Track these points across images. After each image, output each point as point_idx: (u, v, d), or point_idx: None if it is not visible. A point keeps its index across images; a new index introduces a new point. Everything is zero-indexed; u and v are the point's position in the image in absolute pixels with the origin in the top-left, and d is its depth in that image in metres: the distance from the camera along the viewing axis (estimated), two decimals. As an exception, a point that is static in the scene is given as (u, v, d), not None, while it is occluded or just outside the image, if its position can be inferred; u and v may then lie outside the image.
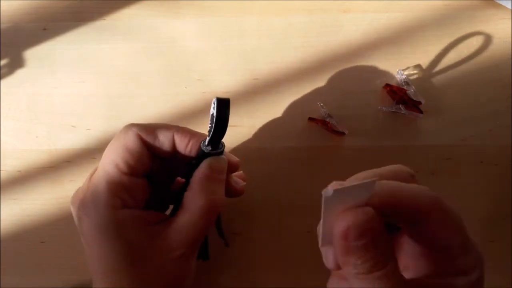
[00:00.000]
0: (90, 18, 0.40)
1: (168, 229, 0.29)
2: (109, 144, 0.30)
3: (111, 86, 0.40)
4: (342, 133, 0.38)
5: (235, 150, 0.38)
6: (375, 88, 0.38)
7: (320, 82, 0.39)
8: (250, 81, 0.39)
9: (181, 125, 0.39)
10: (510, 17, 0.39)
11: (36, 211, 0.39)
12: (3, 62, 0.40)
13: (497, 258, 0.37)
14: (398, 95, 0.37)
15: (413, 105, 0.37)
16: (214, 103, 0.28)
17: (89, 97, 0.40)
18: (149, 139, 0.30)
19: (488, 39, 0.38)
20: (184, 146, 0.30)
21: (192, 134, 0.30)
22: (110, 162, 0.29)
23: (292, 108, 0.38)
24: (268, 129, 0.39)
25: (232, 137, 0.38)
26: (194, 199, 0.29)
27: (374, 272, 0.21)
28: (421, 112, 0.37)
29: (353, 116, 0.38)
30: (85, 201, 0.29)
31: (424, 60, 0.38)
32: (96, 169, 0.30)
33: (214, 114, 0.27)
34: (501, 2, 0.38)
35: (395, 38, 0.39)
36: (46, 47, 0.40)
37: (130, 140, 0.29)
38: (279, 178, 0.38)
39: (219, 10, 0.40)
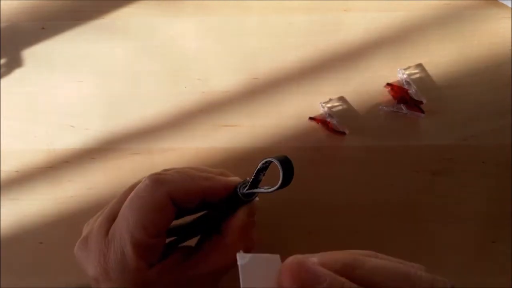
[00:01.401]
0: (88, 17, 0.40)
1: (197, 270, 0.28)
2: (133, 198, 0.27)
3: (110, 85, 0.39)
4: (343, 133, 0.37)
5: (235, 150, 0.38)
6: (376, 88, 0.38)
7: (321, 81, 0.38)
8: (250, 81, 0.39)
9: (180, 124, 0.39)
10: (511, 16, 0.38)
11: (35, 212, 0.38)
12: (2, 61, 0.40)
13: (498, 258, 0.37)
14: (399, 95, 0.37)
15: (414, 104, 0.37)
16: (276, 162, 0.26)
17: (88, 97, 0.39)
18: (179, 199, 0.28)
19: (489, 38, 0.38)
20: (216, 199, 0.29)
21: (226, 187, 0.29)
22: (137, 225, 0.26)
23: (293, 108, 0.38)
24: (268, 129, 0.38)
25: (232, 137, 0.38)
26: (233, 246, 0.29)
27: None
28: (422, 111, 0.37)
29: (354, 115, 0.38)
30: (108, 268, 0.27)
31: (425, 59, 0.38)
32: (106, 213, 0.28)
33: (280, 177, 0.26)
34: (502, 1, 0.38)
35: (396, 37, 0.38)
36: (45, 46, 0.40)
37: (161, 201, 0.27)
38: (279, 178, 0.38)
39: (219, 9, 0.40)
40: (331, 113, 0.38)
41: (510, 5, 0.38)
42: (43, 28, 0.40)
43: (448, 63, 0.38)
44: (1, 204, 0.39)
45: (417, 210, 0.37)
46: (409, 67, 0.38)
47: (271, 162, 0.26)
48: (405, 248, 0.37)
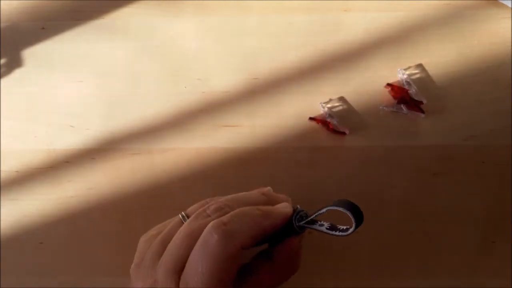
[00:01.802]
0: (89, 17, 0.40)
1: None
2: (205, 254, 0.27)
3: (110, 85, 0.39)
4: (343, 133, 0.37)
5: (235, 150, 0.38)
6: (376, 88, 0.38)
7: (321, 81, 0.38)
8: (250, 81, 0.39)
9: (180, 125, 0.39)
10: (511, 16, 0.38)
11: (35, 212, 0.38)
12: (2, 61, 0.40)
13: (498, 259, 0.37)
14: (400, 95, 0.37)
15: (414, 104, 0.37)
16: (347, 213, 0.26)
17: (88, 97, 0.39)
18: (248, 246, 0.28)
19: (489, 38, 0.38)
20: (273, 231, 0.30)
21: (283, 221, 0.30)
22: (213, 280, 0.27)
23: (293, 108, 0.38)
24: (268, 129, 0.38)
25: (232, 137, 0.38)
26: (284, 271, 0.30)
27: None
28: (422, 112, 0.37)
29: (354, 116, 0.38)
30: None
31: (426, 59, 0.38)
32: (170, 266, 0.28)
33: (353, 225, 0.26)
34: (502, 1, 0.38)
35: (396, 37, 0.38)
36: (45, 46, 0.40)
37: (233, 255, 0.27)
38: (280, 178, 0.38)
39: (219, 9, 0.40)
40: (331, 113, 0.38)
41: (510, 5, 0.38)
42: (43, 28, 0.40)
43: (448, 63, 0.38)
44: (1, 204, 0.39)
45: (417, 210, 0.37)
46: (409, 67, 0.38)
47: (348, 211, 0.26)
48: (405, 248, 0.37)
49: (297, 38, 0.39)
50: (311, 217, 0.29)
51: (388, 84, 0.38)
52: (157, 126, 0.39)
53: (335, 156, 0.38)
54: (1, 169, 0.39)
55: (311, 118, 0.38)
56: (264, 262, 0.30)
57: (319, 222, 0.29)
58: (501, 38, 0.38)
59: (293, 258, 0.30)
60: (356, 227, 0.26)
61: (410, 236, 0.37)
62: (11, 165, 0.39)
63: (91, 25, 0.40)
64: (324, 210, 0.27)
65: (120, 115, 0.39)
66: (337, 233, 0.27)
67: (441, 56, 0.38)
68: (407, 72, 0.38)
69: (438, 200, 0.37)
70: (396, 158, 0.37)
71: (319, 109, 0.38)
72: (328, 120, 0.37)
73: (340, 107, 0.38)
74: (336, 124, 0.37)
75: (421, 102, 0.37)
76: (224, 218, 0.28)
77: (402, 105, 0.37)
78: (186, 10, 0.40)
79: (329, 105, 0.38)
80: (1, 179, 0.39)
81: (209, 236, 0.27)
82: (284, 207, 0.31)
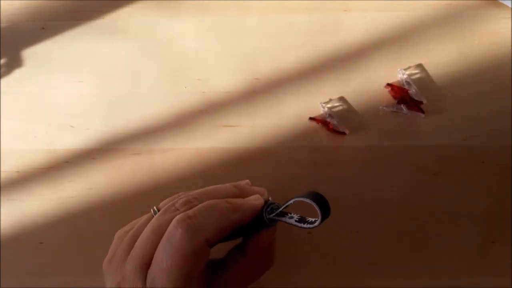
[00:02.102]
0: (89, 17, 0.40)
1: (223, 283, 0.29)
2: (168, 249, 0.27)
3: (110, 85, 0.39)
4: (343, 133, 0.37)
5: (235, 150, 0.38)
6: (376, 88, 0.38)
7: (321, 81, 0.38)
8: (251, 81, 0.39)
9: (180, 125, 0.39)
10: (511, 16, 0.38)
11: (35, 212, 0.38)
12: (2, 61, 0.40)
13: (498, 259, 0.37)
14: (400, 95, 0.37)
15: (414, 105, 0.37)
16: (312, 203, 0.26)
17: (88, 97, 0.39)
18: (215, 239, 0.28)
19: (489, 39, 0.38)
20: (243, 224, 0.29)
21: (254, 213, 0.29)
22: (179, 276, 0.26)
23: (293, 108, 0.38)
24: (268, 129, 0.38)
25: (233, 137, 0.38)
26: (257, 265, 0.30)
27: None
28: (422, 112, 0.37)
29: (354, 116, 0.38)
30: None
31: (426, 59, 0.38)
32: (137, 262, 0.28)
33: (319, 216, 0.26)
34: (503, 1, 0.38)
35: (396, 37, 0.38)
36: (45, 46, 0.40)
37: (199, 250, 0.27)
38: (280, 178, 0.38)
39: (219, 9, 0.40)
40: (331, 113, 0.38)
41: (510, 5, 0.38)
42: (43, 28, 0.40)
43: (448, 63, 0.38)
44: (1, 204, 0.39)
45: (417, 210, 0.37)
46: (409, 67, 0.38)
47: (311, 201, 0.26)
48: (405, 248, 0.37)
49: (297, 38, 0.39)
50: (280, 209, 0.28)
51: (388, 84, 0.38)
52: (157, 126, 0.39)
53: (335, 156, 0.38)
54: (2, 169, 0.39)
55: (311, 118, 0.38)
56: (237, 257, 0.30)
57: (289, 215, 0.28)
58: (501, 38, 0.38)
59: (266, 252, 0.30)
60: (322, 219, 0.25)
61: (410, 236, 0.37)
62: (11, 165, 0.39)
63: (91, 25, 0.40)
64: (291, 201, 0.27)
65: (120, 115, 0.39)
66: (305, 225, 0.27)
67: (441, 56, 0.38)
68: (407, 72, 0.38)
69: (438, 200, 0.37)
70: (396, 158, 0.37)
71: (319, 109, 0.38)
72: (328, 120, 0.37)
73: (340, 107, 0.38)
74: (336, 124, 0.37)
75: (421, 102, 0.37)
76: (190, 212, 0.28)
77: (402, 105, 0.37)
78: (186, 10, 0.40)
79: (329, 105, 0.38)
80: (2, 179, 0.39)
81: (174, 231, 0.27)
82: (255, 199, 0.30)
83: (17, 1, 0.40)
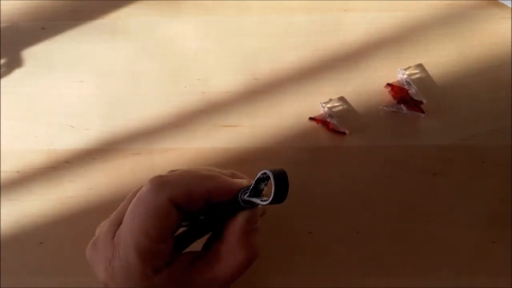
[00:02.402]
0: (89, 17, 0.40)
1: (202, 276, 0.28)
2: (135, 204, 0.27)
3: (110, 85, 0.39)
4: (343, 133, 0.37)
5: (235, 150, 0.38)
6: (376, 88, 0.38)
7: (321, 81, 0.38)
8: (251, 81, 0.39)
9: (180, 125, 0.39)
10: (511, 16, 0.38)
11: (35, 212, 0.38)
12: (2, 61, 0.40)
13: (498, 259, 0.37)
14: (400, 95, 0.37)
15: (414, 104, 0.37)
16: (269, 176, 0.24)
17: (88, 97, 0.39)
18: (182, 201, 0.27)
19: (489, 39, 0.38)
20: (219, 199, 0.28)
21: (231, 189, 0.28)
22: (140, 231, 0.26)
23: (293, 108, 0.38)
24: (268, 129, 0.38)
25: (233, 137, 0.38)
26: (233, 254, 0.28)
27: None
28: (422, 111, 0.37)
29: (354, 116, 0.38)
30: (114, 274, 0.27)
31: (426, 59, 0.38)
32: (113, 217, 0.28)
33: (272, 191, 0.24)
34: (503, 2, 0.38)
35: (397, 37, 0.38)
36: (45, 46, 0.40)
37: (162, 207, 0.26)
38: (280, 178, 0.38)
39: (219, 9, 0.40)
40: (331, 113, 0.38)
41: (510, 5, 0.38)
42: (43, 28, 0.40)
43: (448, 63, 0.38)
44: (1, 204, 0.39)
45: (417, 210, 0.37)
46: (409, 67, 0.38)
47: (270, 176, 0.24)
48: (405, 248, 0.37)
49: (297, 38, 0.39)
50: (251, 186, 0.26)
51: (388, 84, 0.38)
52: (157, 126, 0.39)
53: (335, 156, 0.38)
54: (2, 169, 0.39)
55: (311, 118, 0.38)
56: (216, 245, 0.29)
57: (261, 199, 0.26)
58: (501, 38, 0.38)
59: (244, 238, 0.28)
60: (275, 195, 0.24)
61: (410, 236, 0.37)
62: (11, 165, 0.39)
63: (91, 25, 0.40)
64: (258, 175, 0.25)
65: (120, 115, 0.39)
66: (265, 202, 0.25)
67: (441, 56, 0.38)
68: (407, 72, 0.38)
69: (438, 200, 0.37)
70: (396, 158, 0.37)
71: (319, 109, 0.38)
72: (328, 120, 0.37)
73: (340, 107, 0.38)
74: (336, 124, 0.37)
75: (421, 102, 0.37)
76: (166, 173, 0.28)
77: (402, 105, 0.37)
78: (186, 10, 0.40)
79: (329, 105, 0.38)
80: (2, 179, 0.39)
81: (144, 187, 0.27)
82: (235, 180, 0.29)
83: (17, 1, 0.40)
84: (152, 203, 0.26)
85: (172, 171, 0.31)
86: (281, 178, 0.24)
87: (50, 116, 0.39)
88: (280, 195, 0.24)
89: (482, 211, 0.37)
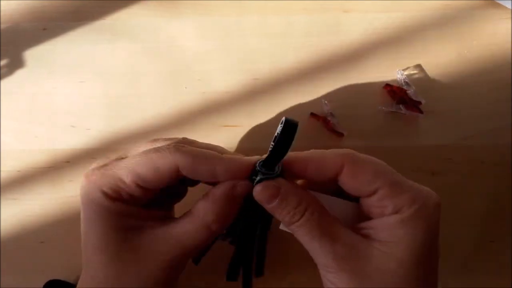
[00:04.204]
0: (90, 18, 0.40)
1: (167, 231, 0.28)
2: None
3: (111, 86, 0.40)
4: (341, 134, 0.37)
5: (235, 150, 0.38)
6: (375, 88, 0.38)
7: (320, 82, 0.39)
8: (250, 81, 0.39)
9: (180, 125, 0.39)
10: (510, 16, 0.39)
11: (36, 211, 0.39)
12: (3, 62, 0.40)
13: (497, 258, 0.37)
14: (398, 95, 0.37)
15: (413, 105, 0.37)
16: (281, 123, 0.25)
17: (89, 97, 0.39)
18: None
19: (488, 39, 0.38)
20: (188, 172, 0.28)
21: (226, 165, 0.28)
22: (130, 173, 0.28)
23: (292, 108, 0.38)
24: (268, 129, 0.38)
25: (233, 137, 0.38)
26: (205, 213, 0.28)
27: (295, 222, 0.27)
28: (421, 112, 0.37)
29: (353, 116, 0.38)
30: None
31: (424, 60, 0.38)
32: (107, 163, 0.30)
33: (277, 135, 0.25)
34: (501, 2, 0.38)
35: (395, 38, 0.39)
36: (46, 47, 0.40)
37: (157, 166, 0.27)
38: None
39: (219, 9, 0.40)
40: (332, 113, 0.38)
41: (509, 6, 0.38)
42: (44, 29, 0.40)
43: (447, 64, 0.38)
44: (3, 204, 0.39)
45: (417, 210, 0.37)
46: (408, 68, 0.38)
47: (282, 122, 0.25)
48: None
49: (297, 38, 0.39)
50: (271, 146, 0.26)
51: (387, 85, 0.38)
52: (157, 126, 0.39)
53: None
54: (2, 169, 0.39)
55: (312, 114, 0.38)
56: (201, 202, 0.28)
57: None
58: (500, 39, 0.38)
59: (230, 200, 0.28)
60: (280, 136, 0.25)
61: (409, 235, 0.37)
62: (12, 165, 0.39)
63: (92, 26, 0.40)
64: (279, 127, 0.26)
65: (120, 115, 0.39)
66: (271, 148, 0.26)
67: (440, 57, 0.38)
68: (406, 73, 0.38)
69: (437, 200, 0.37)
70: (395, 158, 0.37)
71: (319, 109, 0.38)
72: (329, 118, 0.37)
73: (340, 107, 0.38)
74: (335, 123, 0.37)
75: (420, 102, 0.37)
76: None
77: (401, 105, 0.37)
78: (186, 10, 0.40)
79: (330, 104, 0.38)
80: (3, 179, 0.39)
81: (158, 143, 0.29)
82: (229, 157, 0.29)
83: (18, 1, 0.41)
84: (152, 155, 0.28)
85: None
86: (290, 124, 0.25)
87: (51, 116, 0.39)
88: (285, 138, 0.25)
89: (481, 210, 0.37)
